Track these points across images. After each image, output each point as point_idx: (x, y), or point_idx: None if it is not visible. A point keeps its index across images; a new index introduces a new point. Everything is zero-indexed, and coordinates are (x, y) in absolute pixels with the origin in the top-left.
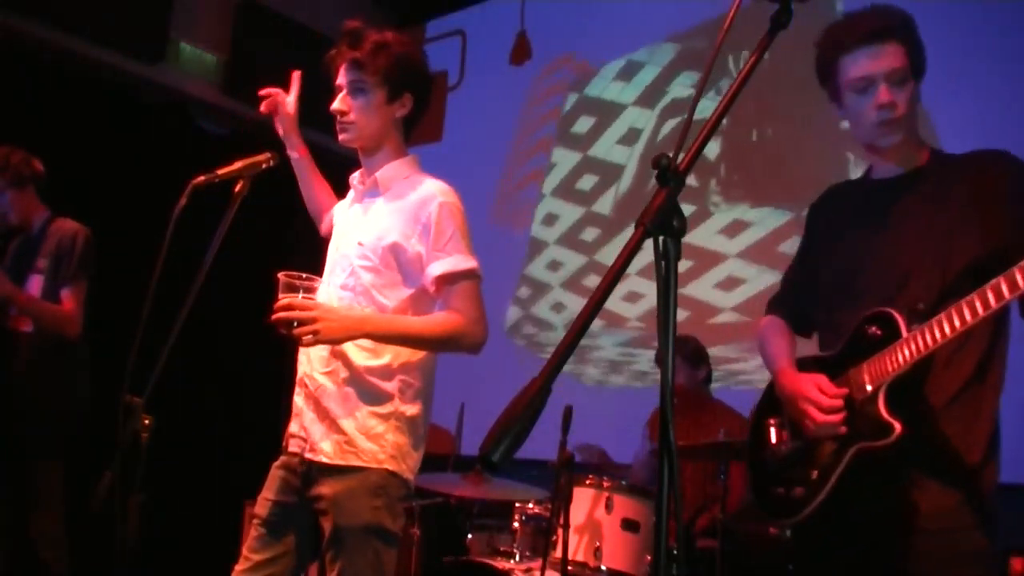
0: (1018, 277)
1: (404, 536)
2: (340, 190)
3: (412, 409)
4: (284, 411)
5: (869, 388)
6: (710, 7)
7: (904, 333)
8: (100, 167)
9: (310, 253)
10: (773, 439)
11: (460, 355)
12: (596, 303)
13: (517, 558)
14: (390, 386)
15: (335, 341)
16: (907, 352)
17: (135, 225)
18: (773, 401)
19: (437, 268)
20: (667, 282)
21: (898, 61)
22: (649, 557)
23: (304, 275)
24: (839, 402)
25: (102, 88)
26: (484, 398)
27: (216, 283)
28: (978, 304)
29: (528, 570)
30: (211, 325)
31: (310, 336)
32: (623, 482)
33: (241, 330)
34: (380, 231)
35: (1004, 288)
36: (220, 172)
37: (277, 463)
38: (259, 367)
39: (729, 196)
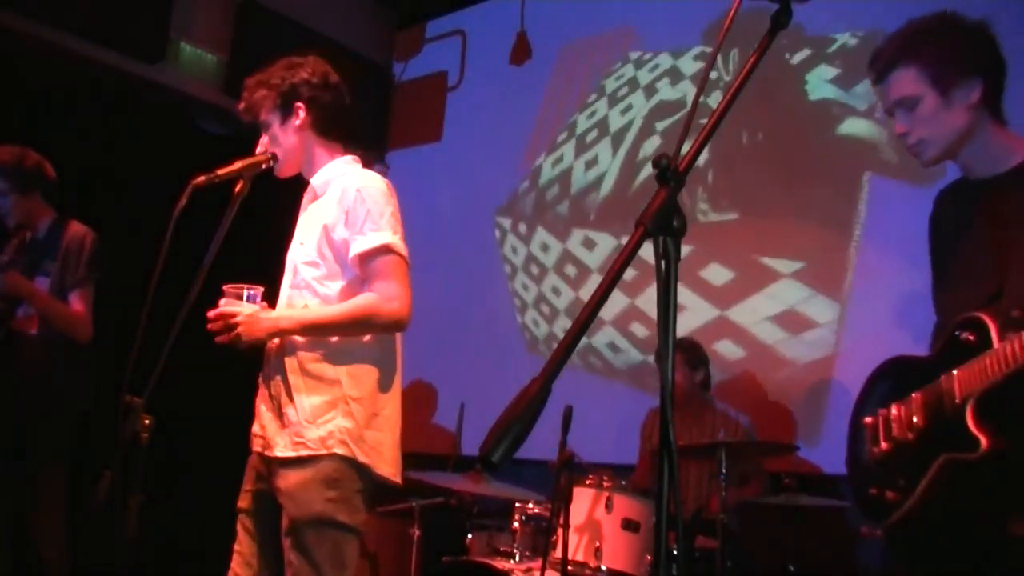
0: None
1: (404, 536)
2: None
3: (361, 391)
4: None
5: (958, 399)
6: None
7: (996, 343)
8: (100, 167)
9: None
10: (868, 438)
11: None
12: (596, 303)
13: (517, 558)
14: (334, 372)
15: (258, 341)
16: (998, 363)
17: (135, 225)
18: (873, 396)
19: (354, 249)
20: (667, 282)
21: (903, 89)
22: (649, 557)
23: (247, 285)
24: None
25: (102, 88)
26: (484, 398)
27: (216, 283)
28: None
29: (528, 570)
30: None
31: (236, 338)
32: (623, 482)
33: None
34: (315, 227)
35: None
36: (220, 172)
37: (249, 459)
38: (259, 367)
39: (717, 205)
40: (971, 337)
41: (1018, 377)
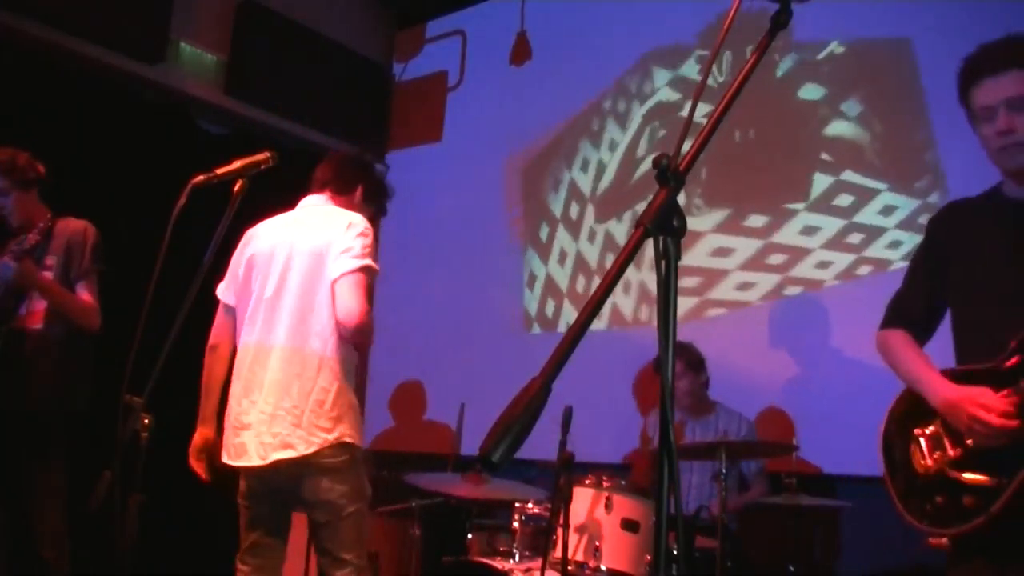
0: None
1: (404, 536)
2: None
3: None
4: None
5: None
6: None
7: None
8: (100, 167)
9: None
10: (926, 447)
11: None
12: (596, 303)
13: (517, 558)
14: None
15: None
16: None
17: (135, 225)
18: (917, 412)
19: None
20: (667, 282)
21: (1017, 88)
22: (649, 557)
23: None
24: (1011, 408)
25: (102, 88)
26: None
27: (217, 283)
28: None
29: (528, 570)
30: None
31: None
32: (623, 482)
33: None
34: None
35: None
36: (219, 172)
37: None
38: None
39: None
40: None
41: None
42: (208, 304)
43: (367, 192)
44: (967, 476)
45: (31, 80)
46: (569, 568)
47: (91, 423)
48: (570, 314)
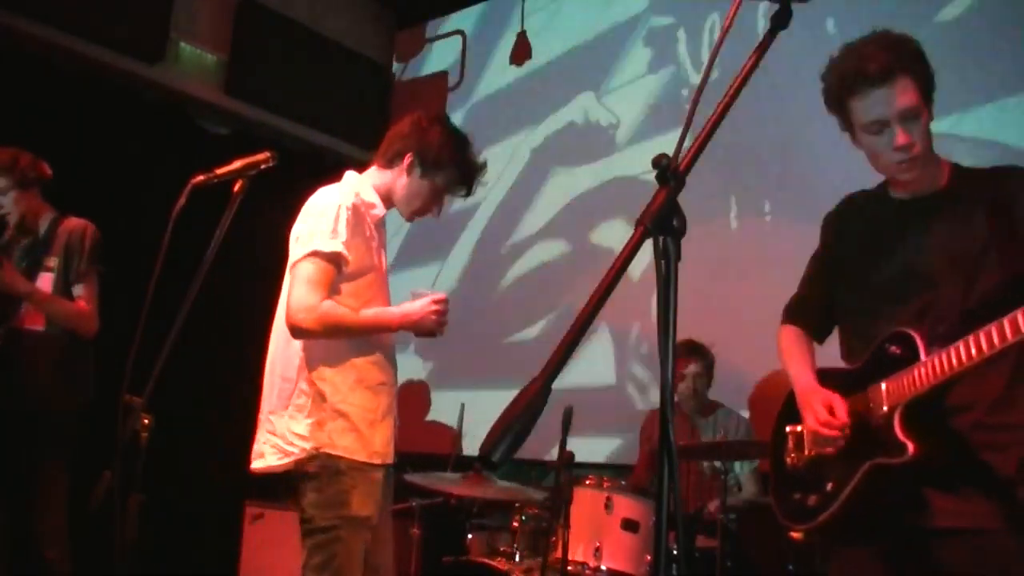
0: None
1: (404, 536)
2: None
3: None
4: None
5: (885, 407)
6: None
7: (923, 356)
8: (100, 167)
9: None
10: (791, 446)
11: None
12: (596, 303)
13: (517, 558)
14: None
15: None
16: (924, 375)
17: (135, 225)
18: (794, 409)
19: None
20: (667, 282)
21: (910, 98)
22: (649, 557)
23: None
24: (839, 420)
25: (102, 88)
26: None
27: (216, 283)
28: (995, 335)
29: (528, 570)
30: (211, 325)
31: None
32: (623, 482)
33: (241, 330)
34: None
35: (1021, 321)
36: (219, 172)
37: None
38: (259, 367)
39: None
40: (898, 351)
41: (940, 389)
42: (208, 304)
43: (422, 161)
44: (815, 478)
45: (31, 80)
46: (569, 568)
47: (91, 423)
48: (572, 313)
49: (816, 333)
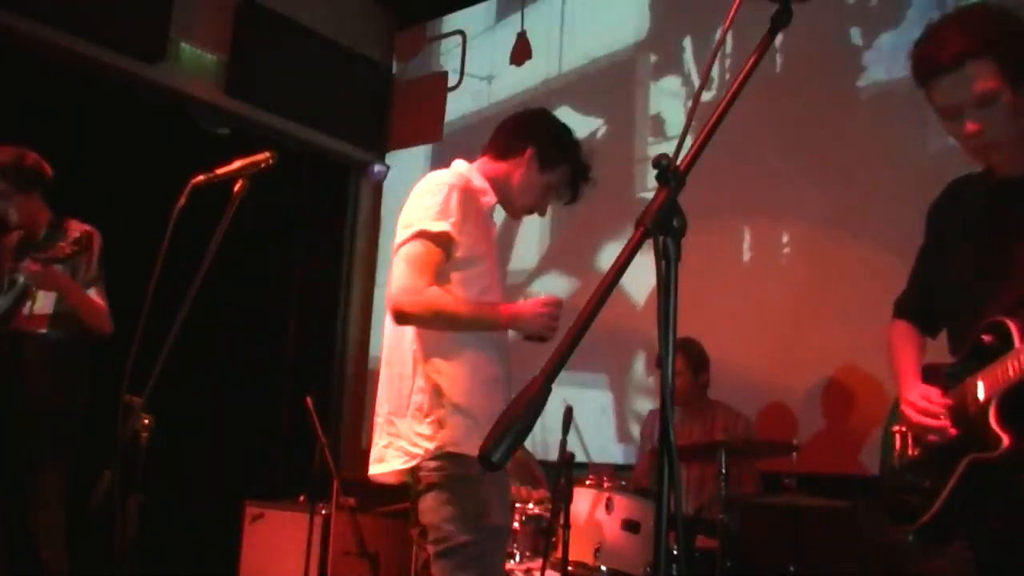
0: None
1: (404, 536)
2: (337, 189)
3: None
4: (285, 409)
5: (982, 399)
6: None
7: (1017, 344)
8: (100, 167)
9: (310, 253)
10: (898, 446)
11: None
12: (596, 303)
13: (517, 558)
14: None
15: None
16: (1018, 364)
17: (135, 225)
18: (899, 410)
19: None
20: (667, 282)
21: (985, 83)
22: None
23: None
24: (936, 408)
25: (102, 88)
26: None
27: (216, 283)
28: None
29: (528, 570)
30: (211, 325)
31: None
32: (623, 482)
33: (241, 330)
34: None
35: None
36: (219, 172)
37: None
38: (259, 367)
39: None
40: (993, 341)
41: None
42: (208, 304)
43: (542, 156)
44: (918, 477)
45: (31, 80)
46: (569, 568)
47: (91, 423)
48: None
49: (926, 329)
